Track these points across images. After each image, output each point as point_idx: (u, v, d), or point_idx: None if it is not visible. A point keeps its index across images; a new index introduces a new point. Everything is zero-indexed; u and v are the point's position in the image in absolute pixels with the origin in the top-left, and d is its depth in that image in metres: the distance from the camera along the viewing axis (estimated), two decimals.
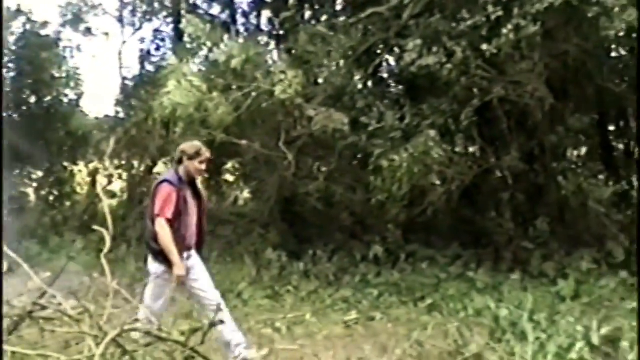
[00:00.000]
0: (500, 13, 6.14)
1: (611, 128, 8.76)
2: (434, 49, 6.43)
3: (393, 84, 8.29)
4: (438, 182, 6.80)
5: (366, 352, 4.92)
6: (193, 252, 4.42)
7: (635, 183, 8.27)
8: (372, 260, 7.23)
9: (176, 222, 4.23)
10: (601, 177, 7.76)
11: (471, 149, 7.68)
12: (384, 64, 7.88)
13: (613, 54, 8.32)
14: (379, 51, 7.31)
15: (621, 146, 8.62)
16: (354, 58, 7.00)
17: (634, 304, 5.69)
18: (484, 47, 6.20)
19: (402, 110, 6.84)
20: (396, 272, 6.97)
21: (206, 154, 4.38)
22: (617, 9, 5.93)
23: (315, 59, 6.95)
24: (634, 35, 6.43)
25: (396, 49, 7.20)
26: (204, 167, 4.39)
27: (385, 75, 8.27)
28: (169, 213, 4.19)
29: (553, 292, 6.28)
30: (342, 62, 6.83)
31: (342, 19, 7.76)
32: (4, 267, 3.70)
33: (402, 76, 7.68)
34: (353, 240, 7.80)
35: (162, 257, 4.24)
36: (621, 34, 6.34)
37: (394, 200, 6.63)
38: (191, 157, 4.30)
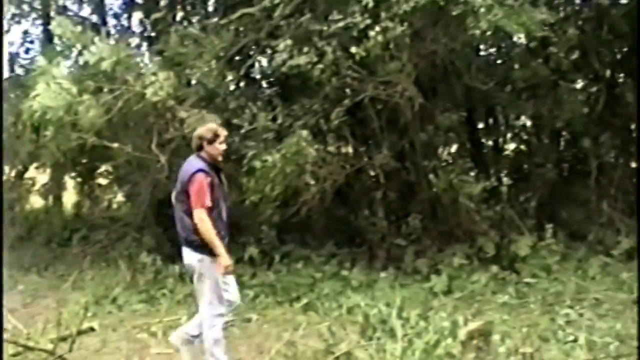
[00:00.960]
0: (368, 21, 7.15)
1: (480, 125, 10.09)
2: (305, 49, 7.28)
3: (265, 85, 9.11)
4: (312, 182, 7.64)
5: (242, 353, 5.50)
6: (225, 243, 4.78)
7: (505, 179, 9.90)
8: (248, 261, 8.01)
9: (213, 211, 4.62)
10: (472, 173, 8.88)
11: (344, 149, 8.61)
12: (256, 64, 8.75)
13: (482, 53, 9.84)
14: (251, 52, 8.11)
15: (490, 143, 10.01)
16: (225, 59, 7.71)
17: (505, 298, 6.73)
18: (354, 49, 7.19)
19: (275, 111, 7.64)
20: (271, 273, 7.81)
21: (224, 132, 4.79)
22: (483, 9, 7.03)
23: (186, 60, 7.57)
24: (501, 34, 7.84)
25: (268, 50, 8.00)
26: (224, 146, 4.78)
27: (258, 76, 9.13)
28: (208, 202, 4.54)
29: (426, 288, 7.31)
30: (213, 64, 7.47)
31: (213, 20, 8.44)
32: None
33: (274, 77, 8.57)
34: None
35: (204, 247, 4.60)
36: (488, 33, 7.77)
37: (268, 201, 7.43)
38: (211, 141, 4.68)
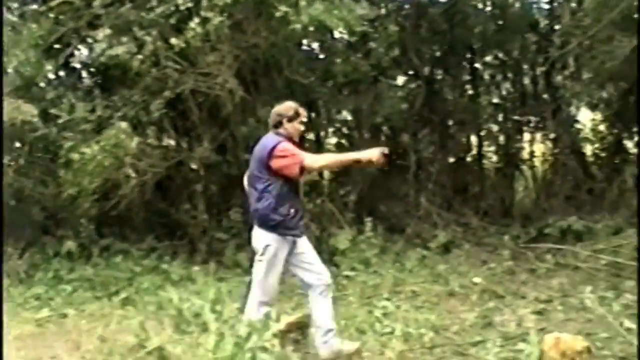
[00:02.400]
0: (190, 4, 8.70)
1: None
2: (124, 39, 8.87)
3: (85, 75, 10.61)
4: (132, 175, 9.13)
5: (57, 349, 6.11)
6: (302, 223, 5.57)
7: (325, 174, 12.01)
8: (65, 255, 9.36)
9: (292, 187, 5.44)
10: None
11: (164, 141, 10.30)
12: (76, 54, 10.15)
13: (304, 47, 11.69)
14: (70, 41, 9.44)
15: (312, 136, 12.08)
16: (44, 47, 9.02)
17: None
18: (174, 40, 8.77)
19: (94, 101, 9.16)
20: (90, 267, 9.15)
21: (304, 112, 5.59)
22: (304, 3, 8.83)
23: (4, 48, 8.64)
24: (322, 29, 9.57)
25: (88, 39, 9.47)
26: (303, 127, 5.60)
27: (78, 66, 10.54)
28: (303, 153, 5.28)
29: (247, 281, 7.93)
30: (32, 52, 8.75)
31: (32, 7, 9.72)
32: None
33: (94, 67, 10.09)
34: (45, 236, 9.91)
35: (282, 227, 5.35)
36: (311, 28, 9.28)
37: (86, 194, 8.85)
38: (291, 119, 5.47)
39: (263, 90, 10.55)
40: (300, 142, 5.55)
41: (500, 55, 13.69)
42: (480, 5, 13.09)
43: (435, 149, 12.54)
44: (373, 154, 5.04)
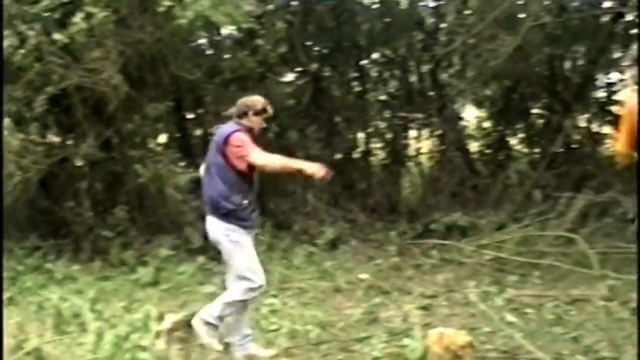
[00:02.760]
0: None
1: (189, 116, 12.84)
2: (6, 33, 9.04)
3: None
4: (15, 172, 9.46)
5: None
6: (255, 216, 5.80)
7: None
8: None
9: (248, 177, 5.62)
10: (181, 164, 10.92)
11: (48, 138, 10.57)
12: None
13: (192, 43, 12.11)
14: None
15: (199, 133, 12.75)
16: None
17: (211, 288, 7.98)
18: (57, 35, 9.10)
19: None
20: None
21: (270, 110, 5.80)
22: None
23: None
24: (209, 25, 10.21)
25: None
26: (265, 124, 5.87)
27: None
28: (257, 149, 5.43)
29: (132, 280, 8.87)
30: None
31: None
32: None
33: None
34: None
35: (234, 217, 5.50)
36: (198, 23, 9.93)
37: None
38: (258, 113, 5.69)
39: (149, 86, 10.94)
40: (258, 138, 5.73)
41: (387, 52, 14.52)
42: (367, 3, 14.01)
43: (323, 145, 13.16)
44: (317, 170, 5.27)
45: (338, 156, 13.66)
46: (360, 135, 14.47)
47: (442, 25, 13.62)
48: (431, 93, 14.40)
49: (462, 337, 5.26)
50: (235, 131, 5.52)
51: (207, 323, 5.60)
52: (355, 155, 14.30)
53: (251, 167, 5.48)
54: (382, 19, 13.58)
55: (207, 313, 5.64)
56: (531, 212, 11.09)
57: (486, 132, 14.91)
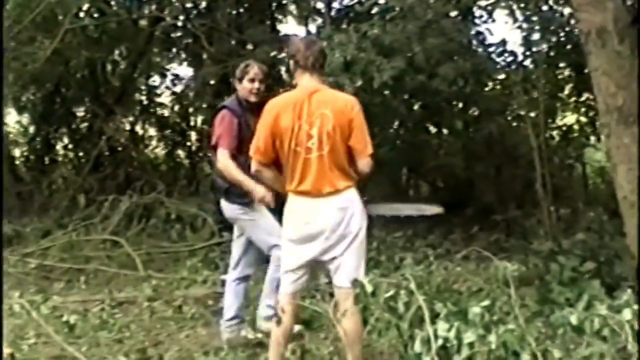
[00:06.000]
0: None
1: None
2: None
3: None
4: None
5: None
6: None
7: None
8: None
9: (241, 155, 5.02)
10: None
11: None
12: None
13: None
14: None
15: None
16: None
17: None
18: None
19: None
20: None
21: (254, 69, 5.23)
22: None
23: None
24: None
25: None
26: (255, 85, 5.22)
27: None
28: (232, 142, 5.07)
29: None
30: None
31: None
32: None
33: None
34: None
35: (234, 193, 5.18)
36: None
37: None
38: (240, 79, 5.27)
39: None
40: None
41: None
42: None
43: None
44: (263, 196, 4.99)
45: None
46: None
47: None
48: None
49: (5, 350, 5.13)
50: (222, 107, 5.30)
51: (270, 317, 5.10)
52: None
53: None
54: None
55: (265, 308, 5.49)
56: (76, 217, 10.93)
57: (30, 137, 14.41)
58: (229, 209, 5.44)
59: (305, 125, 4.16)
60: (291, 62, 4.41)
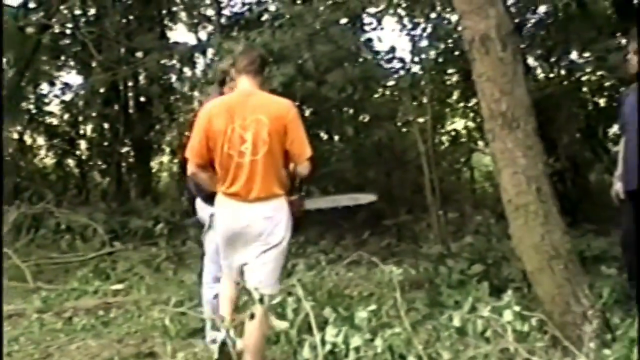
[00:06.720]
0: None
1: None
2: None
3: None
4: None
5: None
6: None
7: None
8: None
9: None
10: None
11: None
12: None
13: None
14: None
15: None
16: None
17: None
18: None
19: None
20: None
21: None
22: None
23: None
24: None
25: None
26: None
27: None
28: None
29: None
30: None
31: None
32: None
33: None
34: None
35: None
36: None
37: None
38: (220, 83, 4.99)
39: None
40: None
41: None
42: None
43: None
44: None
45: None
46: None
47: None
48: None
49: None
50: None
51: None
52: None
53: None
54: None
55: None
56: None
57: None
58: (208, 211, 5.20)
59: (239, 128, 4.15)
60: (232, 69, 4.47)
